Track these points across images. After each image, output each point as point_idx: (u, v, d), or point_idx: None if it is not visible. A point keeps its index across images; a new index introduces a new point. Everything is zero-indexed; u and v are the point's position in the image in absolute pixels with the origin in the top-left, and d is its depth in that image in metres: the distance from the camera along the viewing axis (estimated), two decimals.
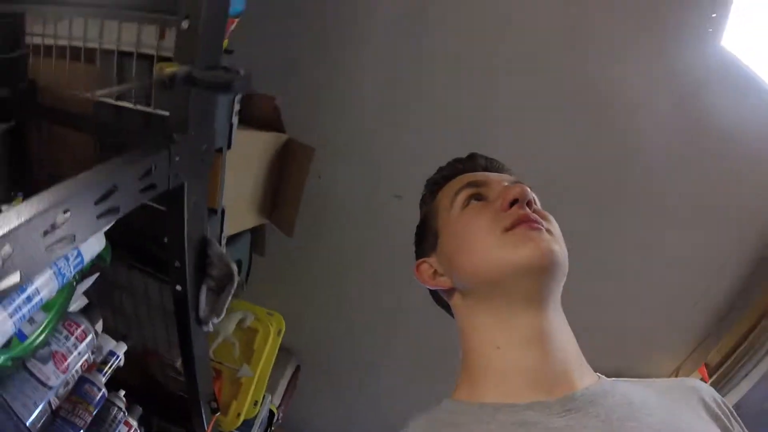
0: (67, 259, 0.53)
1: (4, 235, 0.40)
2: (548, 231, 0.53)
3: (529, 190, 0.55)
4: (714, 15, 1.34)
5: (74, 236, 0.48)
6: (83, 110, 0.90)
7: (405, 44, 1.44)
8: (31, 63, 0.98)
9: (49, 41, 0.95)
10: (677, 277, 1.52)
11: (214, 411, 1.06)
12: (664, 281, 1.53)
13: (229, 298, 0.87)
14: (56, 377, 0.61)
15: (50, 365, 0.61)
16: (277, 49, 1.45)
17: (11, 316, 0.45)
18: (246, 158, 1.20)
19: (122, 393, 0.87)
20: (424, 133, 1.48)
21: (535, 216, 0.53)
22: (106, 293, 1.02)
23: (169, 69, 0.59)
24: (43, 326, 0.58)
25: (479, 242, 0.54)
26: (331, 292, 1.65)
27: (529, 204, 0.55)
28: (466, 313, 0.57)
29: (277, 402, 1.51)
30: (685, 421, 0.48)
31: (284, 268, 1.61)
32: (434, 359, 1.58)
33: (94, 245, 0.58)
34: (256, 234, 1.40)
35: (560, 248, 0.52)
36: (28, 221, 0.42)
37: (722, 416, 0.53)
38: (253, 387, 1.23)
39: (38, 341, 0.58)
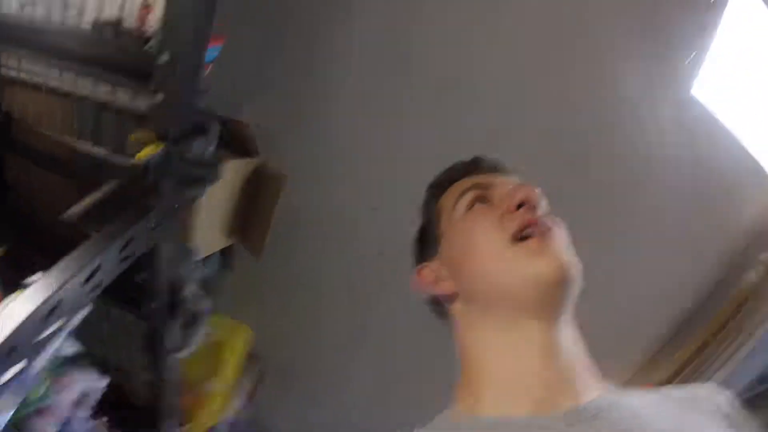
0: None
1: (12, 334, 0.48)
2: (560, 239, 0.51)
3: (537, 192, 0.53)
4: (687, 62, 1.46)
5: (68, 318, 0.56)
6: (59, 152, 0.94)
7: (383, 56, 1.48)
8: (6, 95, 1.01)
9: (25, 76, 0.97)
10: (632, 291, 1.64)
11: (179, 424, 1.15)
12: (617, 294, 1.63)
13: (201, 332, 0.96)
14: (53, 427, 0.69)
15: (48, 418, 0.68)
16: (252, 65, 1.48)
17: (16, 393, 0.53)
18: (218, 184, 1.26)
19: (105, 419, 0.95)
20: (402, 147, 1.54)
21: (544, 221, 0.51)
22: None
23: (144, 154, 0.65)
24: (40, 386, 0.65)
25: (486, 245, 0.52)
26: (301, 301, 1.73)
27: (538, 207, 0.53)
28: (468, 321, 0.54)
29: (240, 405, 1.60)
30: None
31: (254, 278, 1.68)
32: (401, 371, 1.70)
33: (82, 312, 0.65)
34: (225, 249, 1.47)
35: (575, 257, 0.50)
36: (29, 318, 0.50)
37: (742, 424, 0.51)
38: (218, 397, 1.32)
39: (36, 399, 0.65)
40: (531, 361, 0.48)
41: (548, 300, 0.48)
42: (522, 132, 1.49)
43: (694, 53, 1.49)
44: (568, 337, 0.50)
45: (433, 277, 0.58)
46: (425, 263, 0.60)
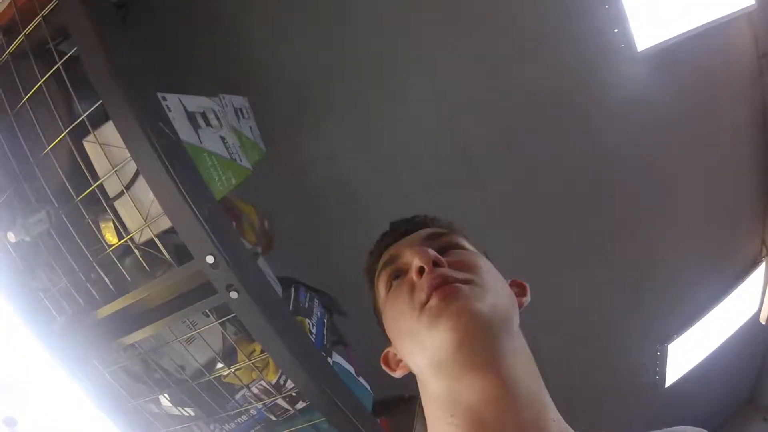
0: None
1: None
2: (469, 282, 0.50)
3: (429, 251, 0.52)
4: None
5: None
6: None
7: None
8: None
9: None
10: None
11: None
12: None
13: None
14: None
15: None
16: None
17: None
18: None
19: None
20: None
21: (445, 274, 0.51)
22: None
23: None
24: None
25: (406, 326, 0.52)
26: None
27: (439, 263, 0.52)
28: (423, 389, 0.54)
29: None
30: None
31: None
32: None
33: None
34: None
35: (485, 302, 0.49)
36: None
37: None
38: None
39: None
40: (484, 415, 0.47)
41: (467, 355, 0.47)
42: None
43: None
44: (520, 379, 0.48)
45: (396, 360, 0.60)
46: (389, 348, 0.62)
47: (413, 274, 0.52)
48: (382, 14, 1.41)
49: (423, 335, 0.49)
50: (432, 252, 0.52)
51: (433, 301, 0.49)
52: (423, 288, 0.50)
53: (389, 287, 0.58)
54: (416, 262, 0.52)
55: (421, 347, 0.50)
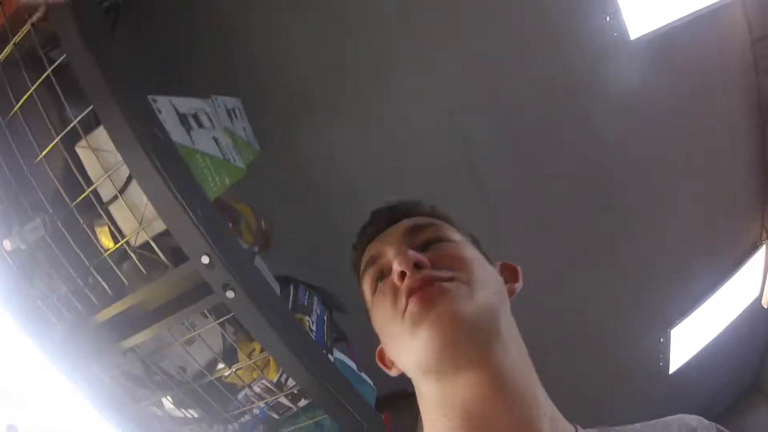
0: None
1: None
2: (453, 279, 0.49)
3: (409, 254, 0.50)
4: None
5: None
6: None
7: None
8: None
9: None
10: None
11: None
12: None
13: None
14: None
15: None
16: None
17: None
18: None
19: None
20: None
21: (427, 276, 0.49)
22: None
23: None
24: None
25: (391, 330, 0.52)
26: None
27: (420, 264, 0.50)
28: (416, 390, 0.54)
29: None
30: None
31: None
32: None
33: None
34: None
35: (470, 301, 0.47)
36: None
37: None
38: None
39: None
40: (477, 413, 0.46)
41: (453, 358, 0.46)
42: None
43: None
44: (513, 373, 0.47)
45: (389, 359, 0.59)
46: (382, 346, 0.60)
47: (395, 279, 0.51)
48: (382, 14, 1.40)
49: (407, 341, 0.48)
50: (412, 254, 0.51)
51: (413, 307, 0.48)
52: (403, 293, 0.50)
53: (374, 289, 0.56)
54: (396, 267, 0.51)
55: (406, 351, 0.50)
